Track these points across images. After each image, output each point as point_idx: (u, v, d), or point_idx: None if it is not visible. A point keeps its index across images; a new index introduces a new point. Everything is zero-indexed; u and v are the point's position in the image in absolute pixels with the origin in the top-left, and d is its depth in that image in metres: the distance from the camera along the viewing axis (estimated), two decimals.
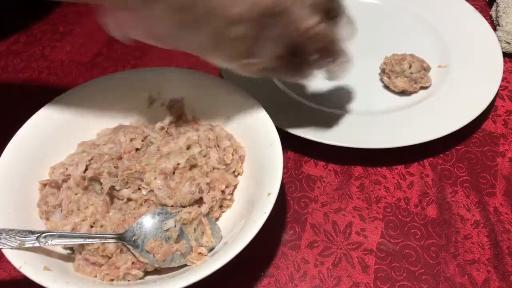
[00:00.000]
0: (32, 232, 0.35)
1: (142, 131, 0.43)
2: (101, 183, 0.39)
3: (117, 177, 0.39)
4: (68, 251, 0.38)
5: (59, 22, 0.67)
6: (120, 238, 0.37)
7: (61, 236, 0.35)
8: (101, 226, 0.38)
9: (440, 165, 0.49)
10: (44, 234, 0.35)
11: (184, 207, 0.39)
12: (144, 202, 0.39)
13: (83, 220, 0.38)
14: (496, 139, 0.52)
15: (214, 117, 0.46)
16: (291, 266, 0.42)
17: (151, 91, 0.47)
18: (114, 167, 0.40)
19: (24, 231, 0.35)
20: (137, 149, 0.42)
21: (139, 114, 0.47)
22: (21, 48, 0.62)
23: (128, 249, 0.37)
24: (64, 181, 0.40)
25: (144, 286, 0.35)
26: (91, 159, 0.40)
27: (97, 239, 0.36)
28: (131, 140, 0.42)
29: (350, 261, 0.42)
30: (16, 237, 0.34)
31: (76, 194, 0.39)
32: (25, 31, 0.64)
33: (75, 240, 0.36)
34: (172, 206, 0.39)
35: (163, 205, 0.39)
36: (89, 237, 0.36)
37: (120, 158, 0.41)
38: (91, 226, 0.38)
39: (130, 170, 0.39)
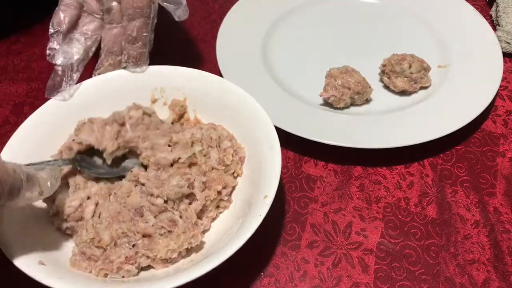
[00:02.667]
0: None
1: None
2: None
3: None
4: (66, 245, 0.38)
5: None
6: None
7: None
8: (99, 217, 0.39)
9: (440, 165, 0.49)
10: None
11: (172, 200, 0.39)
12: (135, 187, 0.40)
13: (88, 198, 0.39)
14: (496, 139, 0.52)
15: (215, 116, 0.46)
16: (291, 266, 0.42)
17: (153, 90, 0.47)
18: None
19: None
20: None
21: None
22: (21, 48, 0.62)
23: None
24: None
25: (138, 284, 0.35)
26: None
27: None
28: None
29: (350, 261, 0.42)
30: None
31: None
32: (25, 31, 0.64)
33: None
34: (159, 196, 0.39)
35: (150, 194, 0.39)
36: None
37: (123, 124, 0.41)
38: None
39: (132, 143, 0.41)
